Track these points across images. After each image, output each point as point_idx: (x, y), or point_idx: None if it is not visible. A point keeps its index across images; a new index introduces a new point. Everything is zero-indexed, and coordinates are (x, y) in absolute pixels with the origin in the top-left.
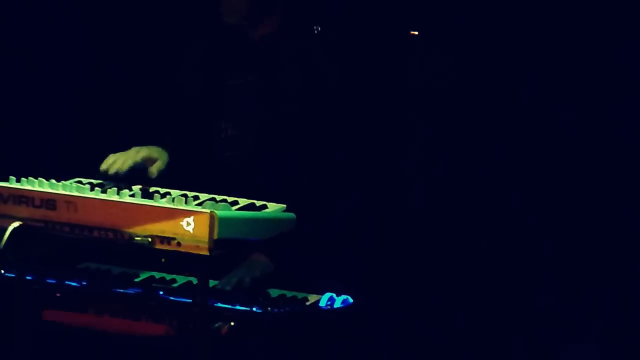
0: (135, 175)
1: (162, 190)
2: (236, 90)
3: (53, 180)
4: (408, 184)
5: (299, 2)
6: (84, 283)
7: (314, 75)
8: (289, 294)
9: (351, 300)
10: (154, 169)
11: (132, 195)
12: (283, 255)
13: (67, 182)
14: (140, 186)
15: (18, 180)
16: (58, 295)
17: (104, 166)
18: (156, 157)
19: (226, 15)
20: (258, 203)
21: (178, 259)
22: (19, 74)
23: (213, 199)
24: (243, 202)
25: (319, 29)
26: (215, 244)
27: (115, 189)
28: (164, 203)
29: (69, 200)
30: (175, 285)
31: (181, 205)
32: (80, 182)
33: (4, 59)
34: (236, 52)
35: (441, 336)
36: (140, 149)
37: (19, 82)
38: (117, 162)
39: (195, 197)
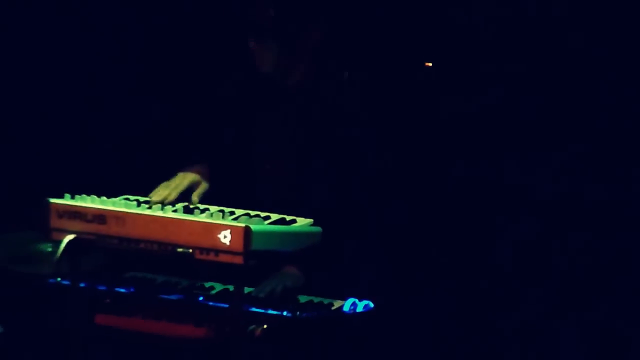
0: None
1: (202, 207)
2: (269, 119)
3: (104, 197)
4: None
5: (328, 51)
6: (132, 290)
7: (342, 107)
8: (316, 299)
9: (372, 305)
10: (195, 197)
11: (175, 211)
12: (311, 264)
13: (117, 199)
14: (183, 203)
15: (72, 197)
16: (108, 301)
17: (156, 198)
18: (198, 182)
19: (259, 66)
20: (288, 218)
21: (216, 268)
22: (76, 104)
23: (247, 214)
24: (274, 217)
25: (347, 74)
26: (250, 255)
27: (160, 205)
28: (203, 218)
29: (118, 216)
30: (213, 292)
31: (219, 219)
32: (127, 199)
33: (66, 88)
34: (269, 93)
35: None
36: (185, 176)
37: (75, 113)
38: (166, 194)
39: (232, 213)
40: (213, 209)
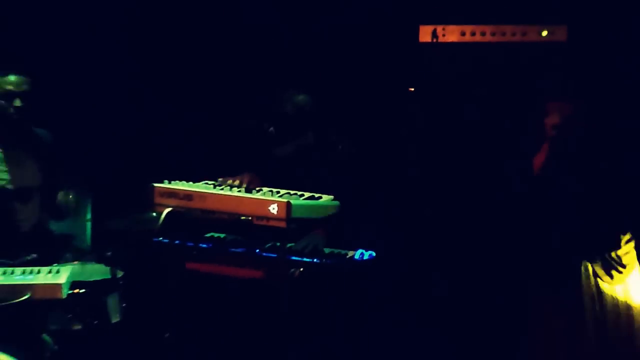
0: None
1: (257, 188)
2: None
3: (191, 182)
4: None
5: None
6: (210, 245)
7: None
8: (335, 251)
9: (374, 254)
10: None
11: (239, 191)
12: (332, 227)
13: (199, 183)
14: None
15: (169, 182)
16: (194, 253)
17: (231, 182)
18: (254, 177)
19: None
20: (316, 195)
21: (268, 230)
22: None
23: (288, 193)
24: (307, 194)
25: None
26: (290, 221)
27: (229, 187)
28: (258, 196)
29: (201, 195)
30: (267, 246)
31: (269, 197)
32: (207, 183)
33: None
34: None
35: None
36: (249, 174)
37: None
38: (238, 182)
39: (277, 192)
40: (265, 190)
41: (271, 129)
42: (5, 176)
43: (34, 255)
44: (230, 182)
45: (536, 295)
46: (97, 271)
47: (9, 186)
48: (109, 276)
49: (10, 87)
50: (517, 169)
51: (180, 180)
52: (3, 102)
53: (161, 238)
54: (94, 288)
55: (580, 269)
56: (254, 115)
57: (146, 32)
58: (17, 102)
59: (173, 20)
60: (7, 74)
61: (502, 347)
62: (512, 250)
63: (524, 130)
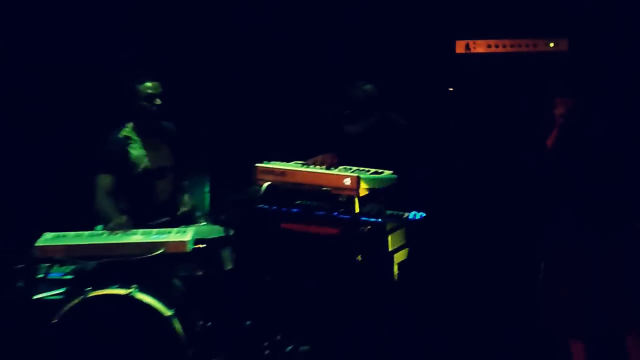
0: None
1: (335, 166)
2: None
3: (285, 162)
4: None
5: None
6: (299, 210)
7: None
8: (395, 212)
9: (424, 214)
10: (332, 165)
11: (321, 168)
12: (391, 194)
13: (291, 163)
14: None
15: (268, 162)
16: (287, 216)
17: (312, 162)
18: (333, 157)
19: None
20: (379, 170)
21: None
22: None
23: (358, 169)
24: (372, 170)
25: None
26: (359, 190)
27: (313, 165)
28: (336, 171)
29: (292, 172)
30: (342, 209)
31: (344, 172)
32: (296, 162)
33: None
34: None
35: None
36: (330, 154)
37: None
38: (320, 161)
39: (350, 169)
40: (340, 167)
41: (347, 111)
42: (146, 159)
43: (167, 219)
44: (313, 160)
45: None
46: (214, 231)
47: (150, 167)
48: (223, 234)
49: (150, 91)
50: (534, 149)
51: (276, 160)
52: (146, 103)
53: (262, 205)
54: (212, 243)
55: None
56: (331, 101)
57: (240, 32)
58: (158, 101)
59: (264, 20)
60: (144, 81)
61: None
62: (528, 210)
63: (539, 119)
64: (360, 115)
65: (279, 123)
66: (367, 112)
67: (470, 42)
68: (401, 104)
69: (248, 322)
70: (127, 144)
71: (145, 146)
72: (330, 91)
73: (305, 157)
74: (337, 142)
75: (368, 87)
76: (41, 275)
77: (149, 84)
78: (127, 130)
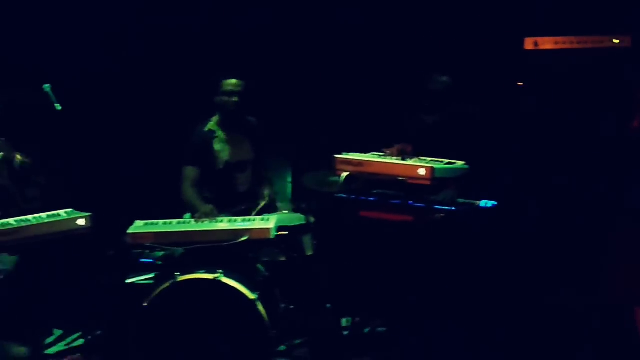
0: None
1: (410, 157)
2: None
3: (362, 154)
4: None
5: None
6: (377, 198)
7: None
8: (467, 200)
9: (495, 203)
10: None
11: (397, 159)
12: (462, 184)
13: (368, 154)
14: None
15: (347, 153)
16: (365, 204)
17: (388, 153)
18: (407, 147)
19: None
20: (452, 161)
21: (417, 187)
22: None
23: (432, 160)
24: (445, 161)
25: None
26: (434, 180)
27: (389, 157)
28: (410, 162)
29: (369, 162)
30: (416, 198)
31: (418, 162)
32: (373, 153)
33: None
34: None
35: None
36: (404, 144)
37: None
38: (397, 151)
39: (424, 159)
40: (415, 158)
41: (425, 102)
42: (229, 154)
43: (245, 207)
44: (389, 151)
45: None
46: (295, 218)
47: (231, 160)
48: (304, 222)
49: (230, 88)
50: (617, 131)
51: (354, 151)
52: (226, 98)
53: (341, 194)
54: (294, 230)
55: None
56: (410, 93)
57: (325, 27)
58: (235, 98)
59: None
60: (229, 78)
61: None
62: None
63: (623, 106)
64: (437, 107)
65: (358, 115)
66: (445, 103)
67: (539, 39)
68: (474, 97)
69: (328, 305)
70: (212, 138)
71: (228, 140)
72: (408, 84)
73: (383, 147)
74: (414, 132)
75: (445, 79)
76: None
77: (232, 81)
78: (212, 125)
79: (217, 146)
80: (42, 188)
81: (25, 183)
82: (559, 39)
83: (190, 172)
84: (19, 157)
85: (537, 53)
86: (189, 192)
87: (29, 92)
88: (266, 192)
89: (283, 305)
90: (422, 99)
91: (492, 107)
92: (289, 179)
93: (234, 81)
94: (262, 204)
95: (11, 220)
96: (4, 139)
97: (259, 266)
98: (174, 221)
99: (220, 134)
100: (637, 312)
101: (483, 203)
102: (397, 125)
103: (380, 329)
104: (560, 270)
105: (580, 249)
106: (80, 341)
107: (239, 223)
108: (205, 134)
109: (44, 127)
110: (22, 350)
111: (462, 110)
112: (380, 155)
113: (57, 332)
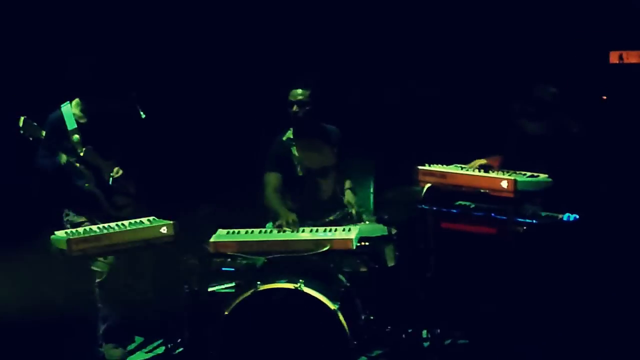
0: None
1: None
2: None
3: (448, 165)
4: None
5: None
6: (458, 210)
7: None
8: (549, 213)
9: (578, 216)
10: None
11: (479, 171)
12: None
13: (452, 165)
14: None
15: (429, 165)
16: (448, 215)
17: (470, 166)
18: (492, 163)
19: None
20: (536, 174)
21: (500, 200)
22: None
23: (515, 173)
24: (528, 174)
25: None
26: (516, 193)
27: (472, 168)
28: (493, 175)
29: (452, 174)
30: (500, 210)
31: (501, 175)
32: (456, 165)
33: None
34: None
35: None
36: (490, 158)
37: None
38: (474, 165)
39: (507, 172)
40: (498, 171)
41: (531, 109)
42: (307, 160)
43: (333, 217)
44: (472, 164)
45: None
46: (377, 229)
47: (311, 167)
48: (386, 233)
49: (296, 97)
50: None
51: (437, 163)
52: (292, 107)
53: (423, 205)
54: (375, 241)
55: None
56: (517, 100)
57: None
58: (301, 107)
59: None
60: (296, 88)
61: None
62: None
63: None
64: (542, 115)
65: (443, 126)
66: (549, 112)
67: (624, 52)
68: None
69: (408, 317)
70: (291, 146)
71: (307, 147)
72: (508, 93)
73: (468, 159)
74: (514, 140)
75: (554, 90)
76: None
77: (298, 91)
78: (290, 133)
79: (296, 153)
80: (132, 196)
81: (115, 191)
82: None
83: (273, 178)
84: (113, 168)
85: (623, 67)
86: (272, 198)
87: (115, 102)
88: (351, 198)
89: (364, 316)
90: (527, 106)
91: (582, 121)
92: (371, 190)
93: (299, 91)
94: (350, 210)
95: (94, 228)
96: (91, 147)
97: (340, 276)
98: (256, 230)
99: (298, 142)
100: None
101: (566, 216)
102: (502, 130)
103: (461, 341)
104: None
105: None
106: (162, 349)
107: (321, 233)
108: (285, 142)
109: (129, 135)
110: (118, 352)
111: (564, 122)
112: (463, 167)
113: (139, 340)
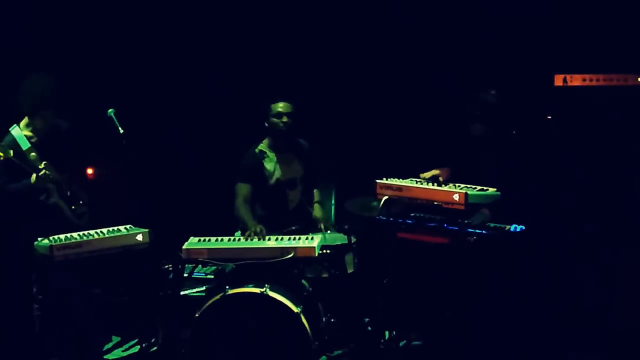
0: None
1: (445, 183)
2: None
3: (401, 179)
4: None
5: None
6: (413, 221)
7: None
8: (497, 225)
9: (524, 227)
10: (441, 180)
11: (433, 185)
12: (494, 208)
13: (407, 179)
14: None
15: (386, 179)
16: (403, 226)
17: (423, 176)
18: (443, 174)
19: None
20: (485, 188)
21: (451, 212)
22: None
23: (466, 186)
24: (478, 187)
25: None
26: (467, 205)
27: (425, 182)
28: (445, 188)
29: (407, 187)
30: (451, 221)
31: (453, 189)
32: (411, 179)
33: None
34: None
35: None
36: (440, 169)
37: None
38: (427, 175)
39: (459, 185)
40: (451, 184)
41: (477, 112)
42: (279, 172)
43: (297, 227)
44: (429, 174)
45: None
46: (338, 238)
47: (282, 178)
48: (346, 241)
49: (280, 110)
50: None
51: (394, 176)
52: (276, 119)
53: (381, 216)
54: (336, 249)
55: None
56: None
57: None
58: (285, 119)
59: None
60: (278, 102)
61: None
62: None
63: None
64: (487, 117)
65: (398, 142)
66: (494, 114)
67: (568, 75)
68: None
69: (367, 319)
70: (263, 158)
71: (278, 159)
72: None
73: (418, 170)
74: (457, 144)
75: (496, 93)
76: (186, 274)
77: (281, 104)
78: (263, 146)
79: (268, 165)
80: (86, 204)
81: (74, 202)
82: (586, 76)
83: (243, 189)
84: (68, 180)
85: (566, 89)
86: (242, 208)
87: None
88: (317, 208)
89: (325, 319)
90: (473, 108)
91: (525, 137)
92: (333, 202)
93: (282, 104)
94: (318, 218)
95: (75, 235)
96: (47, 162)
97: (304, 282)
98: (226, 238)
99: (270, 154)
100: None
101: (513, 227)
102: (440, 138)
103: (415, 342)
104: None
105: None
106: (136, 348)
107: (286, 241)
108: (257, 154)
109: (107, 148)
110: None
111: (505, 125)
112: (417, 181)
113: (115, 339)
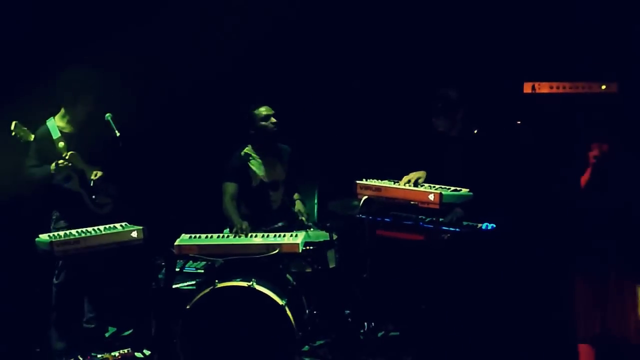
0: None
1: (423, 184)
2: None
3: (378, 180)
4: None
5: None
6: (391, 219)
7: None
8: (470, 223)
9: (495, 225)
10: (420, 181)
11: (410, 185)
12: (467, 208)
13: (385, 180)
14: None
15: (366, 180)
16: (382, 224)
17: (403, 180)
18: (422, 176)
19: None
20: (459, 189)
21: (428, 211)
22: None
23: (441, 187)
24: (452, 188)
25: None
26: (442, 205)
27: (404, 183)
28: (421, 189)
29: (385, 187)
30: (427, 220)
31: (429, 189)
32: (389, 180)
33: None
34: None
35: None
36: (419, 172)
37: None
38: (409, 178)
39: (433, 186)
40: (427, 185)
41: (439, 104)
42: (263, 174)
43: (281, 224)
44: (404, 179)
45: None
46: (321, 235)
47: (266, 180)
48: (328, 238)
49: (265, 113)
50: (570, 184)
51: (373, 177)
52: (264, 122)
53: (361, 215)
54: (319, 246)
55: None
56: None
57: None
58: (273, 120)
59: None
60: (259, 107)
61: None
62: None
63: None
64: (448, 111)
65: (378, 143)
66: (455, 109)
67: (536, 83)
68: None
69: (347, 312)
70: (248, 160)
71: (263, 162)
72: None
73: (401, 174)
74: (426, 140)
75: (454, 88)
76: (178, 269)
77: (263, 108)
78: (248, 149)
79: (253, 167)
80: (112, 196)
81: (97, 191)
82: (554, 83)
83: (230, 187)
84: (92, 170)
85: (535, 96)
86: (229, 206)
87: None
88: (300, 207)
89: (308, 311)
90: (435, 103)
91: (490, 138)
92: (316, 200)
93: (264, 107)
94: (301, 218)
95: (74, 232)
96: (75, 152)
97: (288, 276)
98: (215, 235)
99: (255, 157)
100: (580, 348)
101: (484, 226)
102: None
103: (392, 333)
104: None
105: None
106: (129, 331)
107: (271, 238)
108: (242, 156)
109: (105, 150)
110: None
111: (467, 122)
112: (396, 182)
113: (112, 329)
